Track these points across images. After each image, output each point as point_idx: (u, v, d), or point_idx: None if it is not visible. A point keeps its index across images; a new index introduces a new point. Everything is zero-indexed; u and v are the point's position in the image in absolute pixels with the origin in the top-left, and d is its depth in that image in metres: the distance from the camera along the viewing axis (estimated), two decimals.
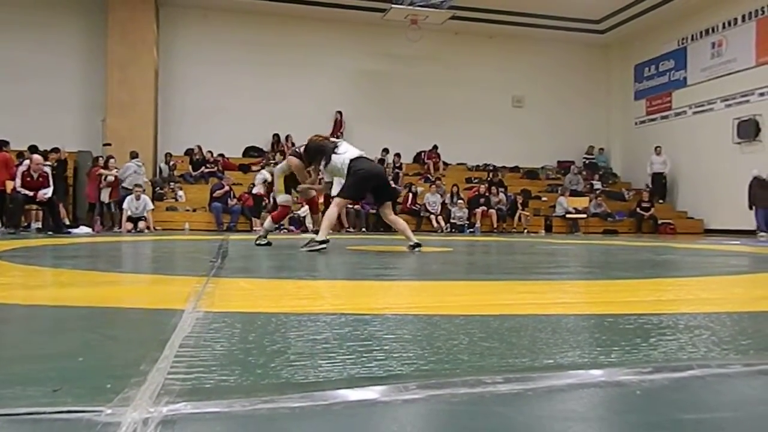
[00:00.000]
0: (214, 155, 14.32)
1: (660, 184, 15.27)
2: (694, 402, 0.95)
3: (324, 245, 4.93)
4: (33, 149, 10.19)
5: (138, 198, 11.04)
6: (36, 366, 1.12)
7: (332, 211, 5.19)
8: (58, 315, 1.83)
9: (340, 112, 15.45)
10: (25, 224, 10.09)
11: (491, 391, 0.95)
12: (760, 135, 13.12)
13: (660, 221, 14.07)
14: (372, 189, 5.28)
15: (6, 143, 10.26)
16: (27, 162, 9.15)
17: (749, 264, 4.68)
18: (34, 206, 9.52)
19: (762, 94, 13.09)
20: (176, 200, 12.95)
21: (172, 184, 13.61)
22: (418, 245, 5.05)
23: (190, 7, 14.82)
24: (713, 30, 14.37)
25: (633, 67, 16.98)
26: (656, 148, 15.13)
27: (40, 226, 10.19)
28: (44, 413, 0.82)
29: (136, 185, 11.35)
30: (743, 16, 13.57)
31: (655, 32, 15.80)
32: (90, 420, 0.80)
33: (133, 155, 11.59)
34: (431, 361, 1.16)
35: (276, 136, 15.19)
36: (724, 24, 14.08)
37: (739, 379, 1.10)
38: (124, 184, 11.20)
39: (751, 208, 12.61)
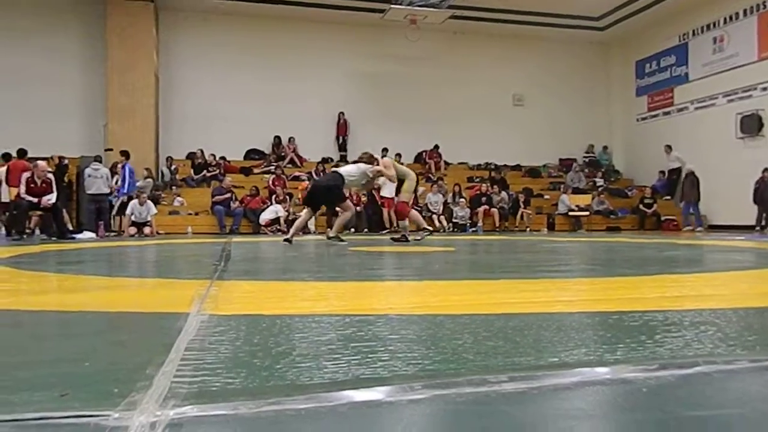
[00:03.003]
0: (216, 158, 14.35)
1: (672, 181, 15.20)
2: (700, 399, 0.95)
3: (288, 243, 6.42)
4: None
5: (142, 203, 11.05)
6: (43, 371, 1.12)
7: (302, 217, 7.09)
8: (64, 320, 1.84)
9: (342, 113, 15.48)
10: (29, 230, 10.11)
11: (496, 390, 0.95)
12: (763, 130, 13.08)
13: (663, 218, 14.04)
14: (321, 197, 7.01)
15: (25, 152, 10.33)
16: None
17: (754, 259, 4.66)
18: (38, 212, 9.53)
19: (765, 89, 13.04)
20: (172, 205, 12.90)
21: (174, 188, 13.63)
22: (338, 238, 6.62)
23: (189, 11, 14.84)
24: (714, 25, 14.34)
25: (634, 63, 16.95)
26: (666, 146, 15.02)
27: (38, 232, 10.19)
28: (51, 418, 0.82)
29: (139, 190, 11.36)
30: (744, 11, 13.53)
31: (656, 28, 15.76)
32: (97, 424, 0.80)
33: (96, 159, 11.52)
34: (436, 360, 1.16)
35: (277, 138, 15.22)
36: (725, 19, 14.04)
37: (746, 376, 1.09)
38: (86, 191, 11.02)
39: (681, 201, 13.25)
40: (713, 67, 14.34)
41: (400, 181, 7.26)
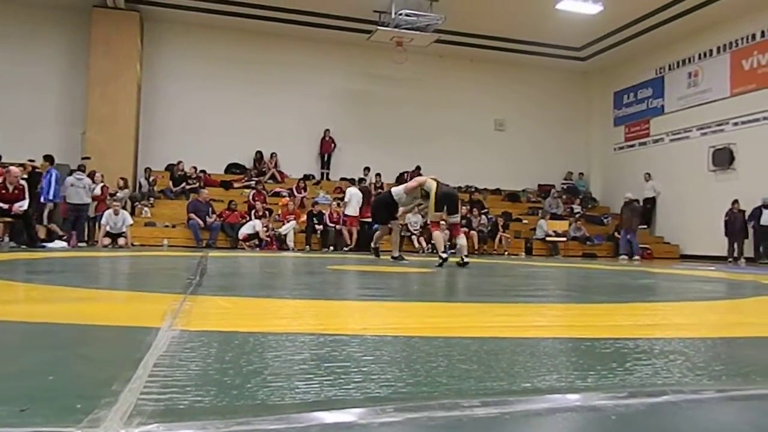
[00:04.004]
0: (197, 171, 14.23)
1: (645, 209, 15.56)
2: (667, 428, 0.96)
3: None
4: None
5: (116, 213, 10.87)
6: (3, 384, 1.09)
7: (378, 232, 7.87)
8: (28, 331, 1.79)
9: (327, 130, 15.53)
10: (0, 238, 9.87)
11: (468, 414, 0.95)
12: (734, 163, 13.47)
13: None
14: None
15: None
16: None
17: (723, 290, 4.76)
18: (8, 219, 9.30)
19: (736, 124, 13.48)
20: (140, 216, 12.65)
21: (151, 199, 13.46)
22: (400, 257, 7.00)
23: (175, 23, 14.83)
24: (689, 60, 14.82)
25: (612, 94, 17.38)
26: (646, 174, 15.46)
27: (8, 239, 9.94)
28: None
29: (113, 201, 11.19)
30: (718, 48, 14.01)
31: (634, 61, 16.23)
32: None
33: (80, 168, 11.34)
34: (409, 383, 1.15)
35: (259, 153, 15.17)
36: (699, 55, 14.52)
37: (712, 405, 1.11)
38: (67, 200, 10.83)
39: (618, 231, 13.67)
40: (688, 101, 14.79)
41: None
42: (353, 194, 12.88)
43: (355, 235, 12.77)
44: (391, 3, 12.78)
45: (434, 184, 6.79)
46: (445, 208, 6.74)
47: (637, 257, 12.72)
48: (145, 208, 12.83)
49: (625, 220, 13.39)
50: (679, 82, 15.07)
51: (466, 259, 6.58)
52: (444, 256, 6.51)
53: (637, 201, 14.23)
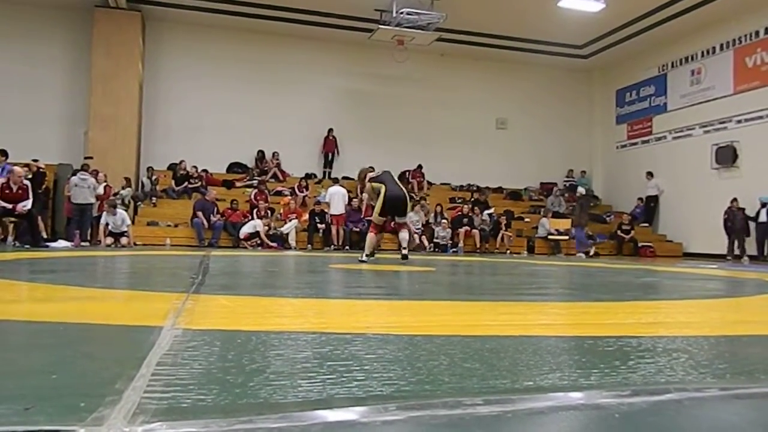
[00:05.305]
0: (199, 170, 14.24)
1: (649, 208, 15.56)
2: (671, 426, 0.96)
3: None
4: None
5: (114, 214, 10.86)
6: (7, 383, 1.09)
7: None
8: (32, 330, 1.79)
9: (331, 129, 15.52)
10: (2, 237, 9.88)
11: (471, 413, 0.95)
12: (737, 161, 13.43)
13: (640, 244, 14.25)
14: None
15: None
16: None
17: (726, 288, 4.75)
18: (12, 219, 9.32)
19: (739, 121, 13.43)
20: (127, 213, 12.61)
21: (154, 198, 13.48)
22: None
23: (177, 22, 14.84)
24: (692, 58, 14.77)
25: (615, 92, 17.34)
26: (647, 173, 15.46)
27: (12, 239, 9.95)
28: None
29: (107, 200, 11.19)
30: (721, 45, 13.97)
31: (637, 58, 16.18)
32: None
33: (84, 168, 11.37)
34: (412, 381, 1.15)
35: (261, 152, 15.18)
36: (702, 52, 14.48)
37: (715, 404, 1.11)
38: (72, 200, 10.88)
39: (572, 226, 13.70)
40: (690, 99, 14.74)
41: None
42: (333, 193, 12.87)
43: (341, 233, 12.72)
44: (392, 1, 12.76)
45: (383, 189, 6.82)
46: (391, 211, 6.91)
47: (581, 253, 12.59)
48: (132, 207, 12.80)
49: (575, 216, 13.42)
50: (681, 80, 15.02)
51: (405, 252, 6.84)
52: (366, 256, 6.70)
53: (584, 196, 14.14)
